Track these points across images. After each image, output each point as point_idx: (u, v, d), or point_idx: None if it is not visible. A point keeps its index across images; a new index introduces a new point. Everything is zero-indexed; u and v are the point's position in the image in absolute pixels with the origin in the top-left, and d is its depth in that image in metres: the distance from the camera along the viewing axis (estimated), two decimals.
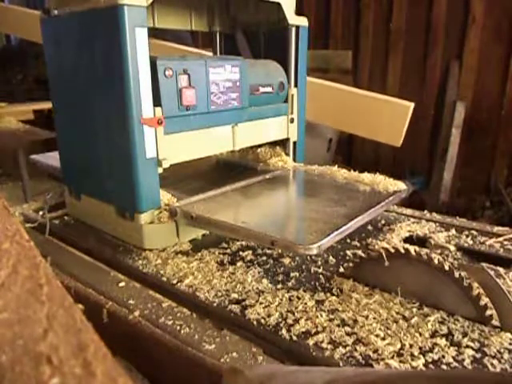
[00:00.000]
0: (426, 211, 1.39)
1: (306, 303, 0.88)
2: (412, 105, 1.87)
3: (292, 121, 1.51)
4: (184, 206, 1.11)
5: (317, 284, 0.96)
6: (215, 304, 0.89)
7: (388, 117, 1.89)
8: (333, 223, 0.97)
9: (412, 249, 0.86)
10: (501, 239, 1.17)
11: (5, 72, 4.03)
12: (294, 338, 0.78)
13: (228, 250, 1.13)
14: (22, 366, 0.29)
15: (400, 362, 0.71)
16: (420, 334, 0.78)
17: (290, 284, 0.96)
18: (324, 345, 0.75)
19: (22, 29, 2.92)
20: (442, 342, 0.76)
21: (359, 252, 1.07)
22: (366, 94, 2.00)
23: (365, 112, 1.95)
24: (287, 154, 1.55)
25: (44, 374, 0.28)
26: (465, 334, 0.78)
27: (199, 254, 1.10)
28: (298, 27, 1.43)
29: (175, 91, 1.11)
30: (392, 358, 0.72)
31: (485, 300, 0.81)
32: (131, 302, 0.90)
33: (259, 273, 1.01)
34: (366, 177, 1.33)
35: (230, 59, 1.28)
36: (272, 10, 1.41)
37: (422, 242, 1.17)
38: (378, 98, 1.96)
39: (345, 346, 0.75)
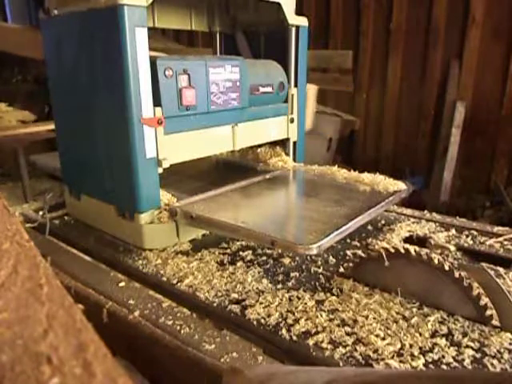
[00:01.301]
0: (426, 211, 1.39)
1: (306, 303, 0.88)
2: (312, 88, 1.72)
3: (292, 121, 1.51)
4: (184, 206, 1.11)
5: (317, 284, 0.96)
6: (215, 304, 0.89)
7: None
8: (333, 223, 0.97)
9: (412, 249, 0.86)
10: (501, 239, 1.17)
11: (4, 72, 4.03)
12: (294, 337, 0.78)
13: (228, 250, 1.13)
14: (22, 365, 0.29)
15: (400, 361, 0.71)
16: (420, 334, 0.78)
17: (290, 284, 0.96)
18: (324, 345, 0.75)
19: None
20: (442, 342, 0.76)
21: (359, 252, 1.07)
22: None
23: None
24: (287, 154, 1.55)
25: (44, 374, 0.28)
26: (465, 334, 0.78)
27: (199, 254, 1.10)
28: (297, 27, 1.43)
29: (175, 91, 1.11)
30: (392, 357, 0.72)
31: (485, 300, 0.81)
32: (131, 302, 0.90)
33: (259, 273, 1.01)
34: (366, 177, 1.33)
35: (229, 59, 1.28)
36: (272, 10, 1.41)
37: (422, 241, 1.17)
38: None
39: (345, 346, 0.75)
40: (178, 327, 0.81)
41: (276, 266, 1.05)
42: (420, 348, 0.74)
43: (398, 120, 3.08)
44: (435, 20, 2.78)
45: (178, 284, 0.96)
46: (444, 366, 0.70)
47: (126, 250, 1.13)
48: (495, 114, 2.68)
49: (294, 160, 1.56)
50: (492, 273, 0.80)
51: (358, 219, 1.01)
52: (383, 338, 0.77)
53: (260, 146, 1.55)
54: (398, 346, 0.75)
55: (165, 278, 0.99)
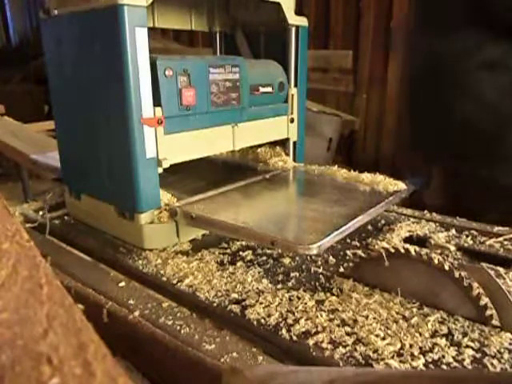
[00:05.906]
0: (426, 211, 1.39)
1: (305, 303, 0.88)
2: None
3: (292, 121, 1.51)
4: (184, 205, 1.11)
5: (317, 284, 0.96)
6: (215, 304, 0.89)
7: None
8: (333, 223, 0.97)
9: (412, 249, 0.86)
10: (501, 239, 1.17)
11: (5, 72, 4.03)
12: (294, 337, 0.78)
13: (228, 250, 1.13)
14: (22, 365, 0.29)
15: (400, 362, 0.71)
16: (420, 334, 0.78)
17: (290, 284, 0.96)
18: (324, 345, 0.75)
19: None
20: (442, 342, 0.76)
21: (359, 252, 1.07)
22: None
23: None
24: (287, 154, 1.55)
25: (44, 374, 0.28)
26: (465, 334, 0.78)
27: (199, 253, 1.10)
28: (297, 27, 1.43)
29: (175, 91, 1.11)
30: (392, 357, 0.72)
31: (485, 300, 0.81)
32: (131, 302, 0.90)
33: (259, 273, 1.01)
34: (366, 177, 1.33)
35: (230, 59, 1.28)
36: (272, 10, 1.41)
37: (422, 241, 1.17)
38: None
39: (345, 346, 0.75)
40: (178, 327, 0.81)
41: (276, 266, 1.05)
42: (420, 348, 0.74)
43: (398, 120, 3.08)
44: None
45: (178, 284, 0.96)
46: (444, 366, 0.70)
47: (126, 250, 1.13)
48: None
49: (294, 160, 1.56)
50: (492, 273, 0.80)
51: (358, 219, 1.01)
52: (383, 338, 0.77)
53: (260, 146, 1.56)
54: (398, 345, 0.75)
55: (165, 278, 0.99)
